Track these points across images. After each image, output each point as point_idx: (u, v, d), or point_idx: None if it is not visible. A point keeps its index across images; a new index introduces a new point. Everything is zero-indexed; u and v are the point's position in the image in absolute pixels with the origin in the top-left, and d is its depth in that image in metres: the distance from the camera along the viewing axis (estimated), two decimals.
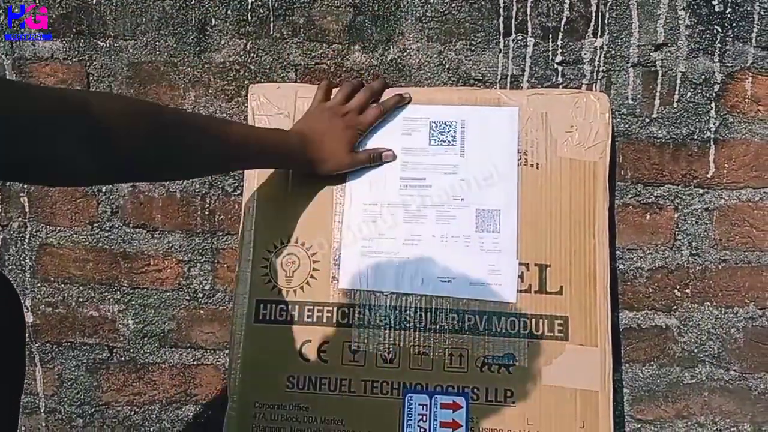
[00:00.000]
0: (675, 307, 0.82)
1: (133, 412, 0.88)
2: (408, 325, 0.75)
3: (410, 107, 0.79)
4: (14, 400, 0.57)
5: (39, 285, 0.87)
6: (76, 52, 0.83)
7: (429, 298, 0.75)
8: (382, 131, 0.79)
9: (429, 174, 0.78)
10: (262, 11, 0.81)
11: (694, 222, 0.81)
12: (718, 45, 0.79)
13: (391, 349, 0.75)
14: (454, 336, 0.74)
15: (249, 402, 0.75)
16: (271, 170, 0.79)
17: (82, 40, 0.83)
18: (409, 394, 0.74)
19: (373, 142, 0.79)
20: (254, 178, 0.79)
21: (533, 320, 0.74)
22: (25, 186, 0.86)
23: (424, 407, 0.73)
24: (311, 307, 0.76)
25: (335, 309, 0.76)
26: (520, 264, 0.75)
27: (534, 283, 0.75)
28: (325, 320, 0.76)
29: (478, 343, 0.74)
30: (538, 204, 0.76)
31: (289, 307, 0.76)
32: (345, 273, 0.76)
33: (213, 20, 0.82)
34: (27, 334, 0.87)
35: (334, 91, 0.79)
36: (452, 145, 0.78)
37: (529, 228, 0.76)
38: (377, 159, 0.78)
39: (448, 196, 0.77)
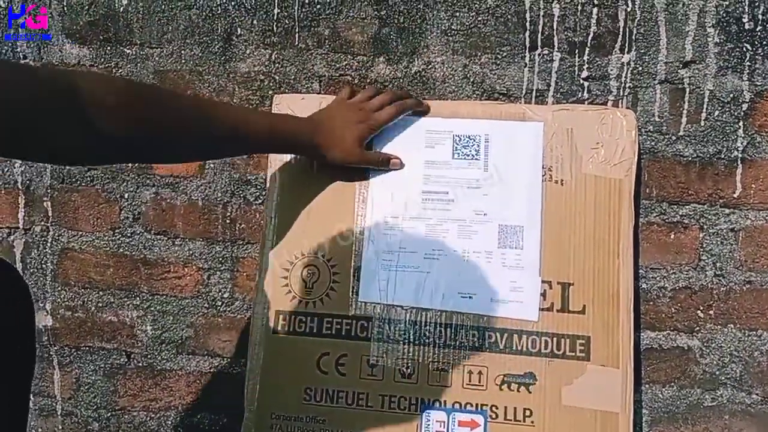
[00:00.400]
0: (697, 328, 0.81)
1: (148, 418, 0.89)
2: (427, 340, 0.74)
3: (434, 120, 0.79)
4: (22, 396, 0.58)
5: (59, 289, 0.88)
6: (102, 59, 0.84)
7: (449, 313, 0.74)
8: (405, 143, 0.78)
9: (452, 188, 0.77)
10: (287, 22, 0.81)
11: (719, 242, 0.80)
12: (748, 63, 0.78)
13: (409, 365, 0.74)
14: (473, 353, 0.74)
15: (266, 413, 0.75)
16: (295, 182, 0.79)
17: (108, 47, 0.84)
18: (427, 411, 0.73)
19: (396, 154, 0.78)
20: (276, 188, 0.79)
21: (555, 339, 0.73)
22: (49, 190, 0.87)
23: (442, 424, 0.73)
24: (330, 320, 0.76)
25: (354, 322, 0.75)
26: (543, 282, 0.74)
27: (556, 302, 0.74)
28: (343, 333, 0.75)
29: (498, 360, 0.73)
30: (562, 221, 0.75)
31: (308, 318, 0.76)
32: (365, 286, 0.76)
33: (239, 30, 0.82)
34: (47, 338, 0.88)
35: None
36: (476, 159, 0.78)
37: (553, 245, 0.75)
38: (385, 163, 0.77)
39: (471, 210, 0.76)
